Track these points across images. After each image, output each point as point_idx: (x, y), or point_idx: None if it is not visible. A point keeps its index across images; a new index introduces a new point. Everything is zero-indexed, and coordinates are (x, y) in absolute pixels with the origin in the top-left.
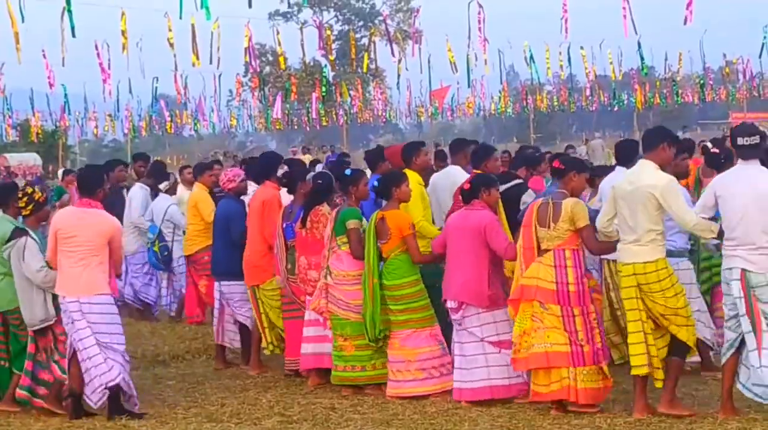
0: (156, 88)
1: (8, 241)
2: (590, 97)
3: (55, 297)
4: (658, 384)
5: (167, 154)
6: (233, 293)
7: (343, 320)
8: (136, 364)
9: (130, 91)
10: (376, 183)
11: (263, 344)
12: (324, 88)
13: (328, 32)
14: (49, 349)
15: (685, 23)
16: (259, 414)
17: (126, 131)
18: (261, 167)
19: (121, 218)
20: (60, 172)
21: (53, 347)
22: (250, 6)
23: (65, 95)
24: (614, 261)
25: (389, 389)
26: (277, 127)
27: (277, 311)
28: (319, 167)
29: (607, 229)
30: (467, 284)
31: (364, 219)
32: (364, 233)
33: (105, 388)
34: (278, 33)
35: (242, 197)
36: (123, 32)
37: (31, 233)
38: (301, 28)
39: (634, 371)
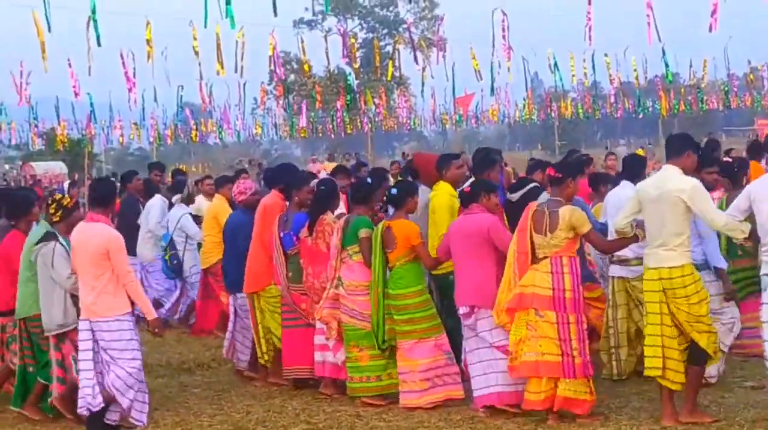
0: (181, 96)
1: (37, 243)
2: (615, 104)
3: (77, 303)
4: (675, 387)
5: (192, 162)
6: (245, 306)
7: (360, 331)
8: (161, 372)
9: (156, 100)
10: (394, 191)
11: (258, 355)
12: (348, 96)
13: (353, 40)
14: (71, 356)
15: (710, 30)
16: (284, 422)
17: (151, 139)
18: (271, 176)
19: (135, 227)
20: (66, 184)
21: (74, 354)
22: (275, 14)
23: (91, 104)
24: (621, 278)
25: (401, 400)
26: (302, 135)
27: (278, 317)
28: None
29: (624, 229)
30: (476, 287)
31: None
32: None
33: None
34: (303, 41)
35: None
36: (148, 41)
37: (60, 238)
38: (325, 37)
39: (647, 373)
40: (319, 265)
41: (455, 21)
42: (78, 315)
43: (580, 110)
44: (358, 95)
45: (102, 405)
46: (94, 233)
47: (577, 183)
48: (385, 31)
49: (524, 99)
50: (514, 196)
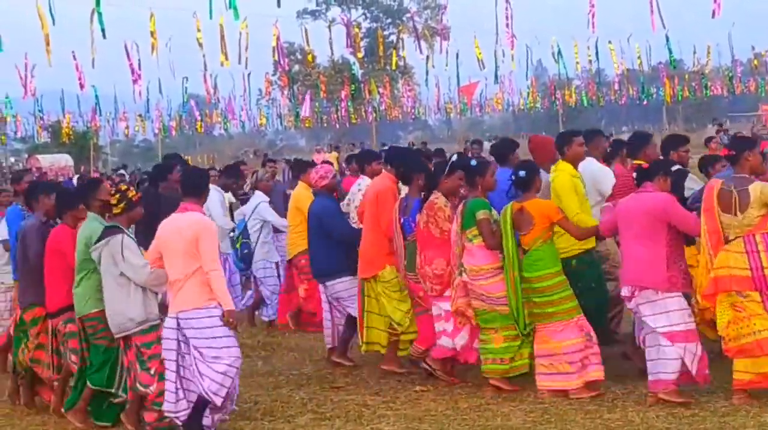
0: (186, 88)
1: (99, 240)
2: (619, 92)
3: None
4: None
5: (198, 153)
6: (339, 292)
7: (491, 313)
8: None
9: (160, 92)
10: (523, 173)
11: (359, 343)
12: (353, 86)
13: (356, 30)
14: (132, 364)
15: (713, 16)
16: (292, 411)
17: (156, 131)
18: (386, 157)
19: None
20: (75, 179)
21: (136, 359)
22: (278, 5)
23: (96, 96)
24: None
25: (540, 383)
26: (307, 125)
27: (394, 302)
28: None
29: None
30: (642, 268)
31: (493, 210)
32: (495, 224)
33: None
34: (306, 31)
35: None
36: (152, 33)
37: (125, 230)
38: (329, 26)
39: None
40: (431, 250)
41: (458, 9)
42: (160, 310)
43: (584, 98)
44: (362, 85)
45: (187, 411)
46: (188, 221)
47: (756, 153)
48: (389, 20)
49: (528, 87)
50: None
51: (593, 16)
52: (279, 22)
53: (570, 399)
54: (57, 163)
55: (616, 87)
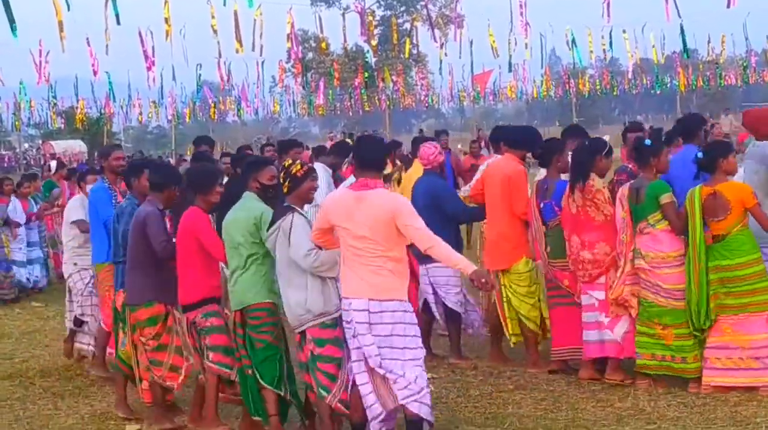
0: (200, 75)
1: (271, 225)
2: (633, 81)
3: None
4: None
5: None
6: (439, 277)
7: (662, 308)
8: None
9: (174, 78)
10: (700, 154)
11: (506, 335)
12: (366, 74)
13: (370, 18)
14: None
15: (728, 6)
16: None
17: (170, 118)
18: (514, 140)
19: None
20: (53, 163)
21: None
22: None
23: (109, 83)
24: None
25: (708, 378)
26: (320, 112)
27: (520, 297)
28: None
29: None
30: None
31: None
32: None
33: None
34: (320, 19)
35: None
36: (166, 20)
37: (297, 209)
38: (343, 14)
39: None
40: (591, 233)
41: None
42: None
43: (598, 87)
44: (375, 73)
45: (382, 413)
46: (373, 203)
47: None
48: (403, 8)
49: (542, 76)
50: None
51: (608, 5)
52: (293, 10)
53: (582, 387)
54: (70, 148)
55: (630, 76)
